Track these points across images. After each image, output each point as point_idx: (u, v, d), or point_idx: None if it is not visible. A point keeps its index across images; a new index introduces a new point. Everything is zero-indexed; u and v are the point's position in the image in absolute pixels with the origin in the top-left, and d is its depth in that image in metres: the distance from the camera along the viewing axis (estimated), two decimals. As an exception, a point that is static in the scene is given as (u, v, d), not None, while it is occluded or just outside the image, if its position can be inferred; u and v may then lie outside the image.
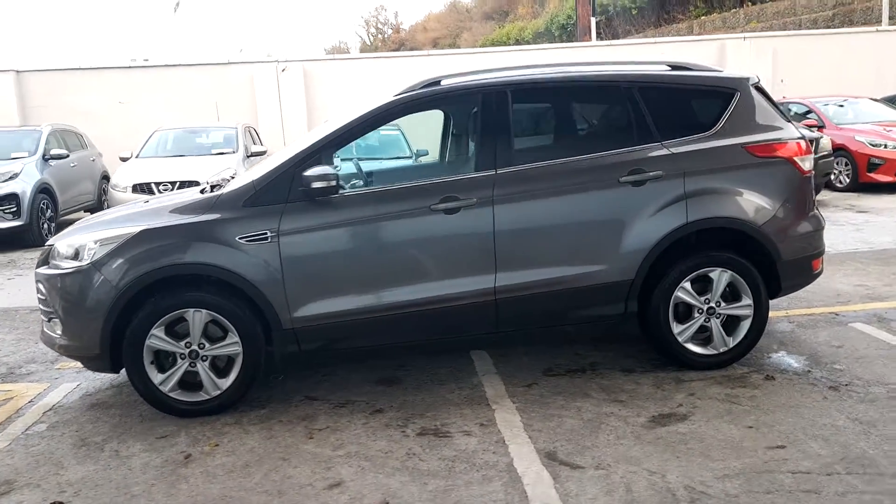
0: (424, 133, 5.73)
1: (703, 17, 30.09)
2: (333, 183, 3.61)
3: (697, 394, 3.77)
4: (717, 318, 4.04)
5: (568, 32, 36.18)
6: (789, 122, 4.25)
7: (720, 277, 4.00)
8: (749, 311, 4.06)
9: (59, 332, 3.80)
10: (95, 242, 3.70)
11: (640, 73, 4.13)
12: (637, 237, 3.90)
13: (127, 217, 3.96)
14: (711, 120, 4.09)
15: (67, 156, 10.19)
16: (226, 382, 3.74)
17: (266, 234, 3.66)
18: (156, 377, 3.69)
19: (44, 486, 3.11)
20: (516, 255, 3.84)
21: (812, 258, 4.20)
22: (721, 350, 4.07)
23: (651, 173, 3.90)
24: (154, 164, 9.65)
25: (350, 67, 14.12)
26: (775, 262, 4.06)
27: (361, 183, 4.70)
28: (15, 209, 8.91)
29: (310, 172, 3.62)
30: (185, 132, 10.86)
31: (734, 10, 28.94)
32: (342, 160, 5.49)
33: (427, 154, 6.40)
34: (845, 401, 3.61)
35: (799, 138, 4.17)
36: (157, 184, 9.02)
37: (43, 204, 9.41)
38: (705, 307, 4.02)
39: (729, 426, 3.38)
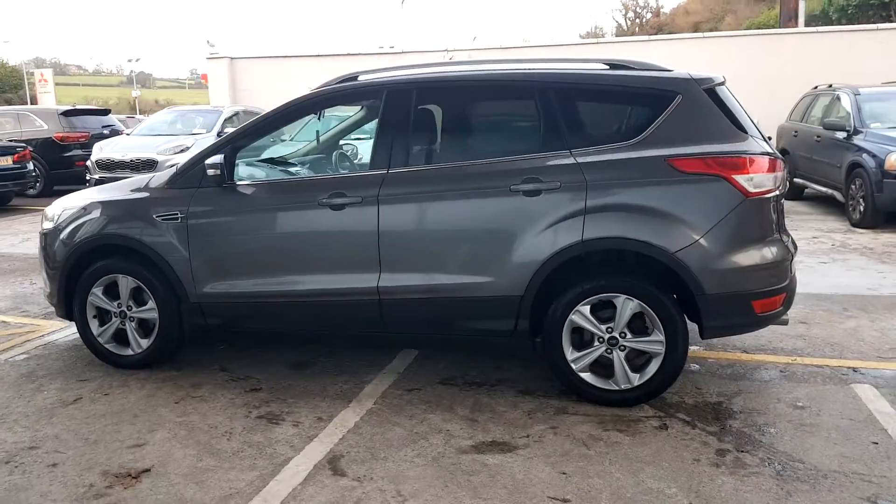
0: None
1: None
2: (219, 172, 3.88)
3: (560, 428, 3.42)
4: (622, 350, 3.59)
5: (848, 15, 31.77)
6: (746, 133, 3.57)
7: (624, 305, 3.55)
8: (660, 348, 3.54)
9: (43, 282, 4.60)
10: (62, 209, 4.40)
11: (558, 73, 3.76)
12: (527, 251, 3.60)
13: (101, 189, 4.62)
14: (639, 127, 3.61)
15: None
16: (146, 343, 4.24)
17: (177, 214, 4.05)
18: (96, 329, 4.31)
19: (-35, 403, 3.86)
20: (400, 256, 3.78)
21: (754, 296, 3.51)
22: (623, 387, 3.61)
23: (546, 183, 3.57)
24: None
25: (514, 57, 14.05)
26: (695, 295, 3.48)
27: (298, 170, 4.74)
28: (181, 178, 10.51)
29: (208, 161, 3.93)
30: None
31: None
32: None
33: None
34: (715, 468, 3.03)
35: (756, 154, 3.49)
36: None
37: (208, 175, 10.96)
38: (607, 336, 3.60)
39: (544, 468, 3.05)
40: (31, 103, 43.88)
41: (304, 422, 3.54)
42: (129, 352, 4.28)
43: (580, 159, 3.57)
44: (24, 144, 11.54)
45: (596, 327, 3.60)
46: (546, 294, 3.65)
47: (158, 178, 4.26)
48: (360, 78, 4.08)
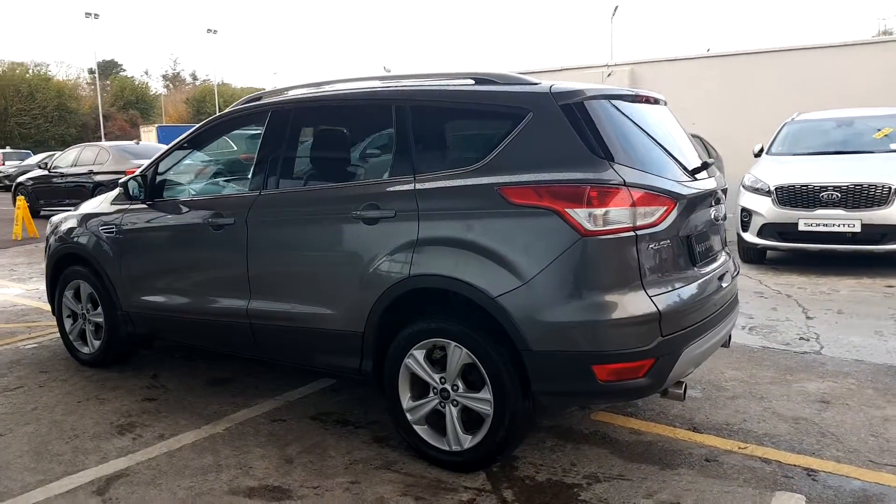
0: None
1: None
2: (123, 190, 4.13)
3: (360, 485, 3.06)
4: (455, 405, 3.12)
5: None
6: (609, 159, 2.86)
7: (454, 354, 3.08)
8: (488, 409, 3.01)
9: (50, 282, 5.24)
10: (58, 219, 5.00)
11: (410, 91, 3.36)
12: (365, 285, 3.29)
13: (87, 202, 5.13)
14: (486, 150, 3.11)
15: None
16: (97, 344, 4.63)
17: (114, 228, 4.38)
18: (68, 327, 4.82)
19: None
20: (264, 280, 3.69)
21: (594, 359, 2.81)
22: (453, 448, 3.13)
23: (383, 210, 3.24)
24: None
25: (676, 69, 12.73)
26: (519, 351, 2.90)
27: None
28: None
29: (121, 180, 4.19)
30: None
31: None
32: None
33: None
34: (463, 565, 2.49)
35: (608, 184, 2.81)
36: None
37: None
38: (439, 387, 3.15)
39: (283, 525, 2.75)
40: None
41: (145, 436, 3.60)
42: (86, 350, 4.71)
43: (419, 186, 3.18)
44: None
45: (429, 376, 3.17)
46: (393, 333, 3.31)
47: (112, 193, 4.65)
48: (263, 99, 4.07)
